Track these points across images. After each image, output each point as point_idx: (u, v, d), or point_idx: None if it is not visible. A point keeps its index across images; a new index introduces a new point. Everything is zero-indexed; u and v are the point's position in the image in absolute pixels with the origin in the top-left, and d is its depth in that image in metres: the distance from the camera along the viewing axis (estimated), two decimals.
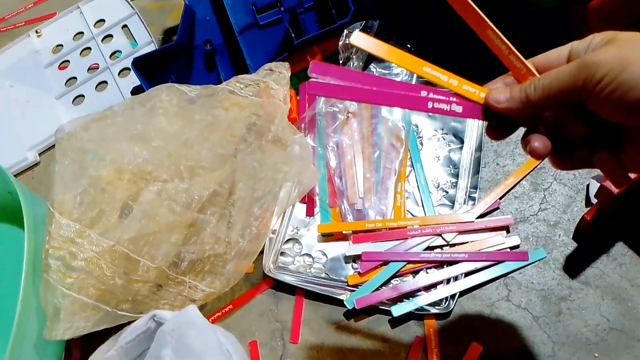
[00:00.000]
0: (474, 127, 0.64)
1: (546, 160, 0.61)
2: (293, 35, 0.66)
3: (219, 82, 0.68)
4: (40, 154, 0.78)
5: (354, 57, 0.66)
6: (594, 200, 0.56)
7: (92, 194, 0.54)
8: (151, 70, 0.66)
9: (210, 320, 0.59)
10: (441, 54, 0.68)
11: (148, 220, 0.53)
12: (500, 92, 0.35)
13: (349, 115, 0.67)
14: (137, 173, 0.55)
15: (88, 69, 0.84)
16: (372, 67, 0.68)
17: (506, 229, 0.59)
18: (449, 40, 0.66)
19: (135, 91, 0.68)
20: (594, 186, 0.57)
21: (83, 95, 0.82)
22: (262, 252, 0.61)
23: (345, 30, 0.66)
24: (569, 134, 0.34)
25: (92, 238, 0.52)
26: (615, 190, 0.47)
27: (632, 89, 0.28)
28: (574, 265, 0.56)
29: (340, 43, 0.66)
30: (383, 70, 0.68)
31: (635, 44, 0.29)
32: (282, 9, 0.69)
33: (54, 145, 0.76)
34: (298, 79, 0.72)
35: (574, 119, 0.34)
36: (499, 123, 0.36)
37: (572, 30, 0.65)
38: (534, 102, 0.32)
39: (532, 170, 0.61)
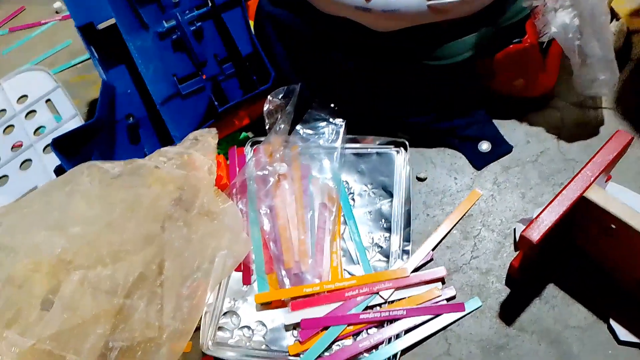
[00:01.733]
0: (401, 180, 0.65)
1: (473, 208, 0.62)
2: (216, 103, 0.66)
3: (145, 155, 0.67)
4: None
5: (280, 120, 0.67)
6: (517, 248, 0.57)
7: (9, 291, 0.51)
8: (73, 149, 0.64)
9: None
10: (364, 112, 0.69)
11: (70, 312, 0.51)
12: None
13: (280, 177, 0.67)
14: (55, 264, 0.52)
15: (12, 148, 0.81)
16: (299, 128, 0.69)
17: (441, 280, 0.59)
18: (370, 98, 0.68)
19: (58, 171, 0.67)
20: (520, 230, 0.58)
21: (7, 176, 0.79)
22: (198, 328, 0.59)
23: (268, 97, 0.66)
24: None
25: (10, 340, 0.49)
26: (534, 239, 0.48)
27: None
28: (509, 312, 0.56)
29: (265, 109, 0.67)
30: (309, 131, 0.69)
31: None
32: (204, 77, 0.69)
33: None
34: (227, 143, 0.72)
35: None
36: None
37: (478, 79, 0.67)
38: None
39: (461, 219, 0.62)
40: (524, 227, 0.54)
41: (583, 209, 0.49)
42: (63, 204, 0.56)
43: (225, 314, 0.61)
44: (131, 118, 0.69)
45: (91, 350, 0.51)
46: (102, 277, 0.53)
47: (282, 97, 0.66)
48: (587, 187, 0.48)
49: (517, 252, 0.58)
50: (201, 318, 0.59)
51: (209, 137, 0.65)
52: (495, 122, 0.67)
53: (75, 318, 0.51)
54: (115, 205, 0.57)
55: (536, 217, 0.48)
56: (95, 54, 0.67)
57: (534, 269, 0.57)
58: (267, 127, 0.67)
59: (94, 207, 0.56)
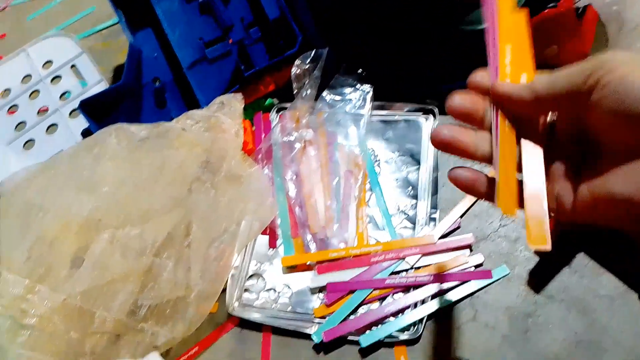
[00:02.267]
0: (429, 148, 0.64)
1: None
2: (242, 67, 0.66)
3: (171, 119, 0.67)
4: None
5: (306, 86, 0.66)
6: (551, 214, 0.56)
7: (40, 248, 0.52)
8: (100, 112, 0.64)
9: None
10: (393, 78, 0.68)
11: (100, 270, 0.52)
12: (504, 83, 0.33)
13: (306, 143, 0.66)
14: (85, 223, 0.53)
15: (38, 112, 0.82)
16: (325, 94, 0.68)
17: (469, 247, 0.59)
18: (399, 64, 0.67)
19: (85, 133, 0.67)
20: None
21: (34, 140, 0.79)
22: (225, 290, 0.59)
23: (296, 61, 0.66)
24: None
25: (42, 293, 0.50)
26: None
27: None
28: (537, 280, 0.56)
29: (293, 73, 0.66)
30: (335, 97, 0.68)
31: None
32: (230, 41, 0.68)
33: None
34: (253, 109, 0.72)
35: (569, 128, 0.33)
36: None
37: None
38: (539, 94, 0.30)
39: None
40: None
41: None
42: (91, 165, 0.57)
43: (251, 276, 0.61)
44: (157, 82, 0.69)
45: (120, 307, 0.52)
46: (131, 236, 0.53)
47: (309, 62, 0.65)
48: None
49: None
50: (227, 280, 0.59)
51: (235, 102, 0.65)
52: None
53: (104, 276, 0.52)
54: (143, 167, 0.57)
55: None
56: (123, 17, 0.67)
57: (565, 238, 0.56)
58: (294, 92, 0.66)
59: (122, 169, 0.56)
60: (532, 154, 0.33)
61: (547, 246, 0.31)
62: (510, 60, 0.34)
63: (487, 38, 0.37)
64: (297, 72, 0.65)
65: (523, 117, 0.33)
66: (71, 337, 0.50)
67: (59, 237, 0.52)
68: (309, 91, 0.66)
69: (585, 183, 0.31)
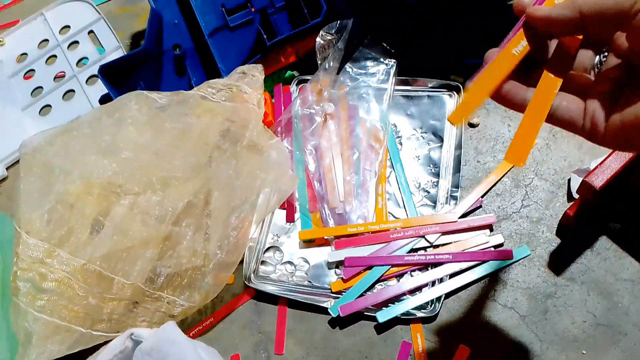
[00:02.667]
0: (453, 125, 0.63)
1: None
2: (265, 36, 0.64)
3: (190, 88, 0.66)
4: (7, 168, 0.75)
5: (329, 58, 0.65)
6: (575, 195, 0.55)
7: (60, 211, 0.51)
8: (119, 78, 0.64)
9: (191, 334, 0.58)
10: (417, 52, 0.67)
11: (120, 235, 0.51)
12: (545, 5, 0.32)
13: (327, 117, 0.65)
14: (106, 187, 0.52)
15: (54, 78, 0.81)
16: (348, 67, 0.67)
17: (489, 227, 0.58)
18: (424, 37, 0.65)
19: (103, 100, 0.66)
20: (576, 181, 0.56)
21: (50, 105, 0.79)
22: (242, 262, 0.59)
23: (321, 31, 0.64)
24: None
25: (62, 257, 0.50)
26: (597, 185, 0.47)
27: None
28: (558, 262, 0.55)
29: (317, 43, 0.65)
30: (358, 70, 0.67)
31: None
32: (252, 9, 0.67)
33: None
34: (272, 81, 0.71)
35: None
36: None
37: None
38: (583, 11, 0.30)
39: (513, 167, 0.60)
40: (580, 178, 0.52)
41: None
42: (112, 129, 0.56)
43: (268, 249, 0.61)
44: (178, 49, 0.67)
45: (139, 273, 0.52)
46: (152, 203, 0.53)
47: (335, 32, 0.64)
48: None
49: (571, 203, 0.57)
50: (245, 251, 0.59)
51: (256, 72, 0.63)
52: None
53: (124, 241, 0.52)
54: (164, 133, 0.56)
55: (600, 163, 0.47)
56: None
57: (588, 220, 0.55)
58: (318, 63, 0.65)
59: (144, 134, 0.56)
60: (550, 83, 0.32)
61: (522, 163, 0.32)
62: None
63: None
64: (322, 43, 0.64)
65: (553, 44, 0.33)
66: (89, 302, 0.50)
67: (80, 200, 0.52)
68: (331, 63, 0.65)
69: (617, 112, 0.30)
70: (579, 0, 0.30)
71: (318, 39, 0.64)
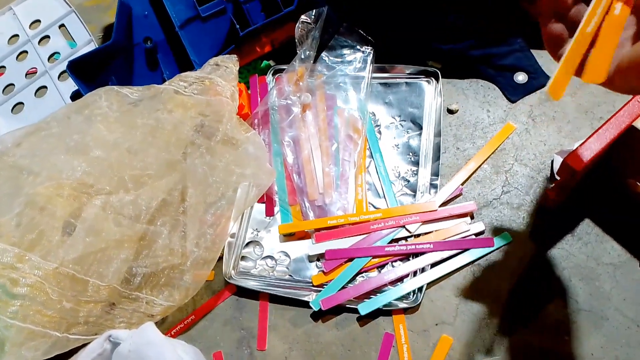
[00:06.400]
0: (432, 112, 0.62)
1: (506, 142, 0.60)
2: (238, 26, 0.63)
3: (163, 81, 0.64)
4: None
5: (304, 47, 0.63)
6: (557, 177, 0.55)
7: (30, 213, 0.50)
8: (89, 73, 0.62)
9: (172, 333, 0.57)
10: (394, 39, 0.66)
11: (93, 237, 0.50)
12: None
13: (304, 107, 0.64)
14: (77, 187, 0.51)
15: (26, 75, 0.79)
16: (324, 55, 0.66)
17: (470, 215, 0.57)
18: (401, 24, 0.64)
19: (75, 97, 0.64)
20: (558, 162, 0.55)
21: (22, 103, 0.77)
22: (221, 258, 0.58)
23: (301, 18, 0.63)
24: None
25: (33, 262, 0.49)
26: (577, 165, 0.46)
27: None
28: (540, 248, 0.55)
29: (297, 33, 0.63)
30: (335, 59, 0.66)
31: None
32: None
33: None
34: (248, 71, 0.69)
35: None
36: None
37: (518, 6, 0.63)
38: None
39: (492, 153, 0.60)
40: (562, 158, 0.52)
41: (630, 139, 0.46)
42: (82, 127, 0.55)
43: (248, 244, 0.60)
44: (149, 42, 0.66)
45: (114, 275, 0.51)
46: (125, 202, 0.52)
47: (312, 21, 0.62)
48: (638, 116, 0.45)
49: (553, 184, 0.56)
50: (224, 247, 0.58)
51: (230, 63, 0.62)
52: (534, 52, 0.63)
53: (98, 243, 0.51)
54: (136, 130, 0.55)
55: (582, 144, 0.46)
56: None
57: (569, 204, 0.55)
58: (298, 51, 0.63)
59: (114, 132, 0.54)
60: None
61: (602, 79, 0.32)
62: None
63: None
64: (301, 31, 0.63)
65: None
66: (64, 306, 0.49)
67: (50, 202, 0.51)
68: (307, 52, 0.63)
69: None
70: None
71: (297, 29, 0.62)
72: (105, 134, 0.54)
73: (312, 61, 0.64)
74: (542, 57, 0.63)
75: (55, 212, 0.51)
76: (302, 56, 0.63)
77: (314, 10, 0.62)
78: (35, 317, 0.48)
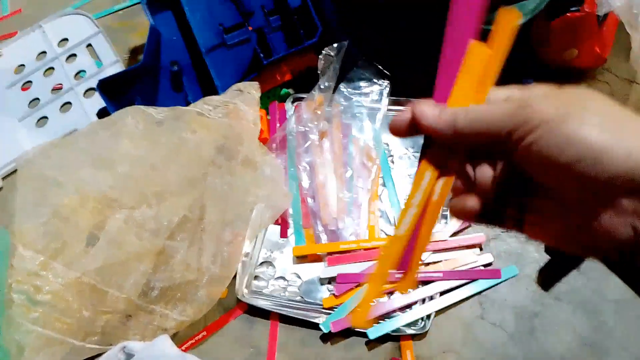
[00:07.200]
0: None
1: None
2: (262, 55, 0.66)
3: (187, 104, 0.67)
4: (3, 179, 0.75)
5: (324, 78, 0.66)
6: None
7: (56, 223, 0.52)
8: (117, 92, 0.64)
9: (183, 348, 0.58)
10: (410, 75, 0.68)
11: (115, 249, 0.52)
12: (430, 106, 0.29)
13: (321, 135, 0.66)
14: (101, 200, 0.53)
15: (52, 90, 0.82)
16: (342, 86, 0.68)
17: (479, 246, 0.59)
18: (417, 60, 0.67)
19: (101, 114, 0.67)
20: None
21: (47, 117, 0.79)
22: (235, 276, 0.60)
23: (323, 51, 0.66)
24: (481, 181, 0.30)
25: (57, 270, 0.50)
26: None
27: (568, 146, 0.24)
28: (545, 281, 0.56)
29: (320, 65, 0.66)
30: (352, 90, 0.68)
31: (579, 97, 0.25)
32: (250, 28, 0.68)
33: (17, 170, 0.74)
34: (268, 98, 0.72)
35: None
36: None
37: (531, 44, 0.66)
38: (460, 130, 0.28)
39: None
40: None
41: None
42: (109, 143, 0.57)
43: (261, 264, 0.61)
44: (175, 65, 0.69)
45: (133, 287, 0.52)
46: (147, 217, 0.54)
47: (334, 54, 0.65)
48: None
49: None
50: (238, 266, 0.59)
51: (252, 90, 0.65)
52: None
53: (119, 255, 0.52)
54: (160, 148, 0.57)
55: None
56: None
57: None
58: (319, 83, 0.66)
59: (140, 148, 0.57)
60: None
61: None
62: (459, 87, 0.30)
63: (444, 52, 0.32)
64: (324, 63, 0.66)
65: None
66: (83, 315, 0.51)
67: (75, 213, 0.52)
68: (327, 83, 0.66)
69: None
70: (457, 115, 0.28)
71: (320, 59, 0.65)
72: (130, 151, 0.56)
73: (331, 91, 0.67)
74: None
75: (79, 224, 0.52)
76: (322, 86, 0.66)
77: (337, 44, 0.65)
78: (55, 324, 0.49)
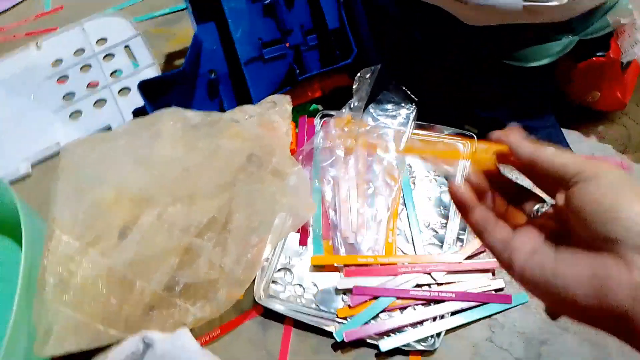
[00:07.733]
0: (464, 171, 0.67)
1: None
2: (297, 71, 0.69)
3: (221, 111, 0.70)
4: (33, 166, 0.77)
5: (355, 98, 0.69)
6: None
7: (93, 214, 0.54)
8: (155, 94, 0.67)
9: None
10: (437, 101, 0.72)
11: (146, 243, 0.54)
12: (517, 134, 0.35)
13: (346, 151, 0.69)
14: (137, 197, 0.55)
15: (87, 86, 0.84)
16: (371, 108, 0.71)
17: (492, 271, 0.61)
18: (444, 89, 0.70)
19: (138, 113, 0.70)
20: None
21: (80, 111, 0.82)
22: (253, 280, 0.62)
23: (358, 74, 0.69)
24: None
25: (91, 257, 0.53)
26: None
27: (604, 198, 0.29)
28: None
29: (354, 87, 0.69)
30: (381, 112, 0.71)
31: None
32: (287, 45, 0.71)
33: (48, 158, 0.77)
34: (297, 112, 0.75)
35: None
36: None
37: (556, 86, 0.69)
38: (540, 158, 0.33)
39: None
40: None
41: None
42: (148, 143, 0.60)
43: (280, 269, 0.64)
44: (213, 74, 0.72)
45: (160, 280, 0.55)
46: (179, 213, 0.56)
47: (368, 77, 0.69)
48: None
49: None
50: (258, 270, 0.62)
51: (285, 103, 0.67)
52: (563, 130, 0.69)
53: (149, 249, 0.54)
54: (197, 152, 0.60)
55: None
56: (191, 8, 0.70)
57: None
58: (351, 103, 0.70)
59: (177, 150, 0.59)
60: None
61: None
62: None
63: None
64: (358, 85, 0.69)
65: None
66: (110, 303, 0.53)
67: (112, 207, 0.55)
68: (356, 103, 0.69)
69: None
70: (540, 153, 0.33)
71: (355, 80, 0.68)
72: (168, 151, 0.58)
73: (361, 111, 0.70)
74: (570, 136, 0.69)
75: (114, 217, 0.55)
76: (353, 105, 0.69)
77: (372, 67, 0.68)
78: (84, 309, 0.51)
